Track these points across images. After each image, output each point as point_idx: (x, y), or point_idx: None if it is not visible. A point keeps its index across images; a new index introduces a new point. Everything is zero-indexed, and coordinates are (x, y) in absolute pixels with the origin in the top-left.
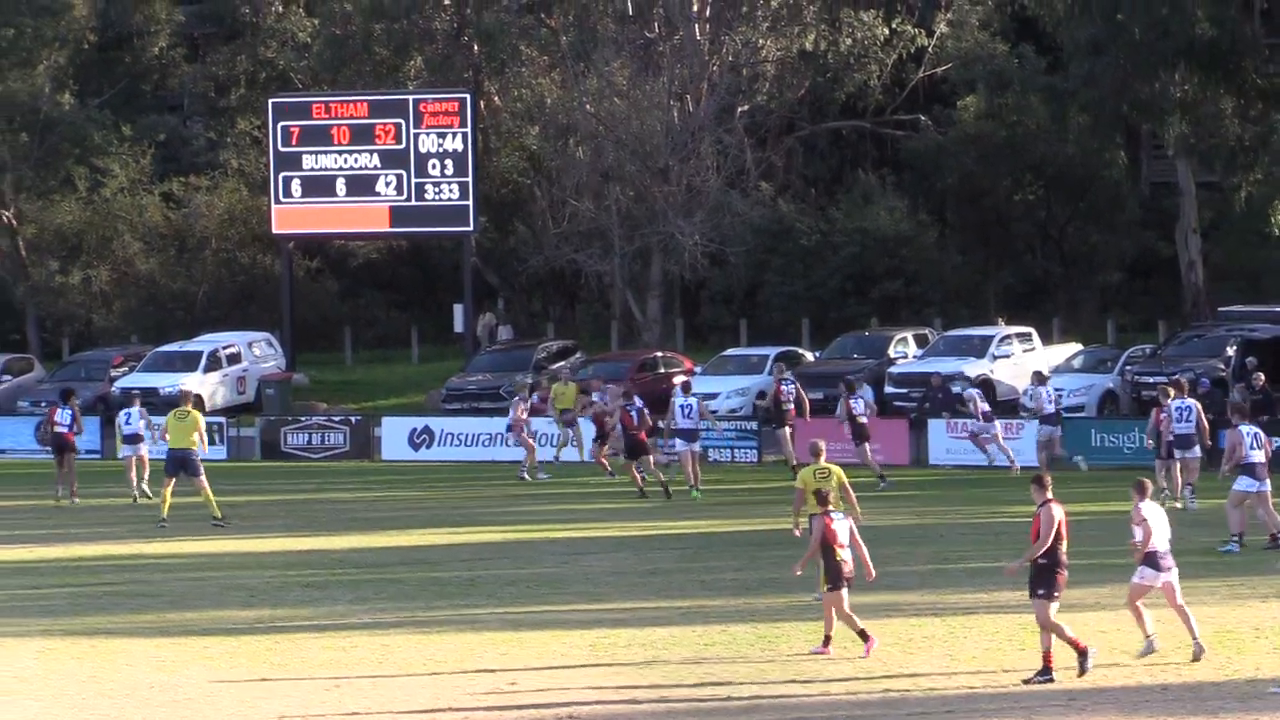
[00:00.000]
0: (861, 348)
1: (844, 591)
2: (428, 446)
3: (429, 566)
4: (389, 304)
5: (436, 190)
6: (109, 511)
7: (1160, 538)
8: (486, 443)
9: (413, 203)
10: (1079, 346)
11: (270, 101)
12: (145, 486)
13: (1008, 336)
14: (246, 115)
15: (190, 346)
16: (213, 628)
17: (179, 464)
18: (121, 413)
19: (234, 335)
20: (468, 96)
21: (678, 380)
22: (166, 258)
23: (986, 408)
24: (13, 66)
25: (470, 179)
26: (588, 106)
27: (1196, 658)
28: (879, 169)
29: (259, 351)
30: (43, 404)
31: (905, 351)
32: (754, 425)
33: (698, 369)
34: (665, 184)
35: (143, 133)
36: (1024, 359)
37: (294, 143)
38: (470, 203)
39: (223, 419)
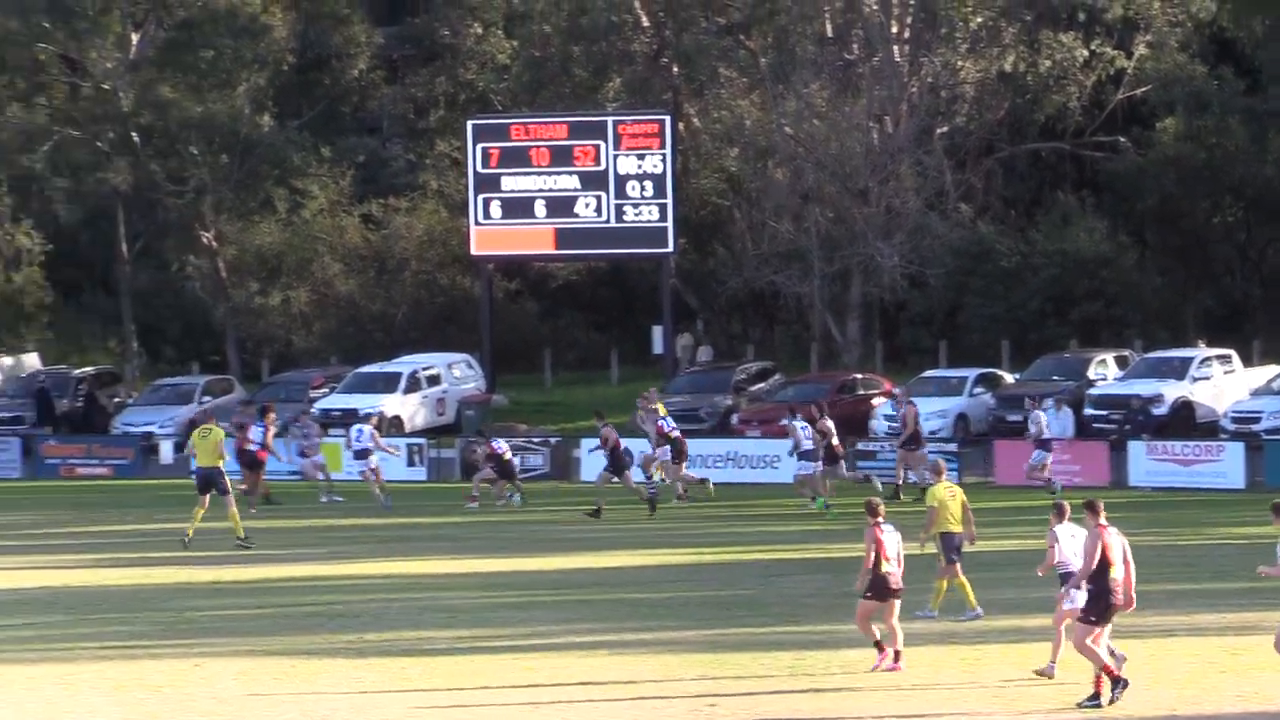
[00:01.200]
0: (1061, 369)
1: (890, 604)
2: (628, 468)
3: (629, 588)
4: (588, 325)
5: (636, 212)
6: (310, 533)
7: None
8: (686, 464)
9: (612, 224)
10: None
11: (469, 123)
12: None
13: (1208, 358)
14: (446, 137)
15: (390, 368)
16: (412, 648)
17: (207, 482)
18: (353, 429)
19: (434, 357)
20: (667, 118)
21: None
22: (366, 279)
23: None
24: (213, 88)
25: (669, 200)
26: (787, 128)
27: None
28: (1078, 190)
29: (459, 373)
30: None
31: (1105, 373)
32: (953, 446)
33: (896, 390)
34: (864, 206)
35: (342, 154)
36: (1224, 381)
37: (493, 164)
38: (669, 224)
39: (423, 440)
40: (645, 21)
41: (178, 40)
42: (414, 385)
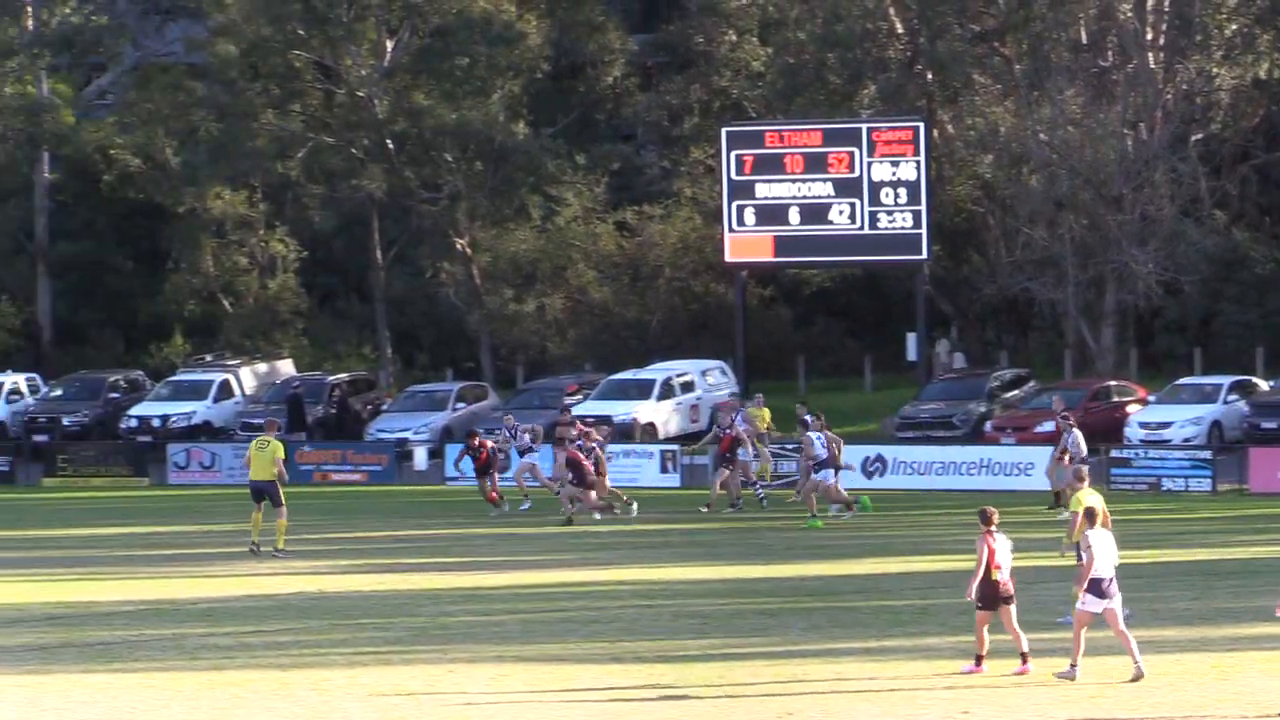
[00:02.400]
0: None
1: (1003, 610)
2: (880, 474)
3: (882, 595)
4: (842, 332)
5: (890, 218)
6: (564, 539)
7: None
8: (940, 471)
9: (866, 231)
10: None
11: (724, 130)
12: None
13: None
14: (700, 144)
15: (643, 374)
16: (664, 655)
17: (261, 494)
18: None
19: (687, 363)
20: (921, 125)
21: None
22: (620, 286)
23: None
24: (467, 95)
25: (923, 207)
26: (1041, 135)
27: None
28: None
29: (712, 380)
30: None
31: None
32: (1207, 454)
33: (1151, 398)
34: (1119, 213)
35: (596, 161)
36: None
37: (747, 171)
38: (924, 231)
39: (676, 447)
40: (899, 29)
41: (432, 48)
42: (667, 392)
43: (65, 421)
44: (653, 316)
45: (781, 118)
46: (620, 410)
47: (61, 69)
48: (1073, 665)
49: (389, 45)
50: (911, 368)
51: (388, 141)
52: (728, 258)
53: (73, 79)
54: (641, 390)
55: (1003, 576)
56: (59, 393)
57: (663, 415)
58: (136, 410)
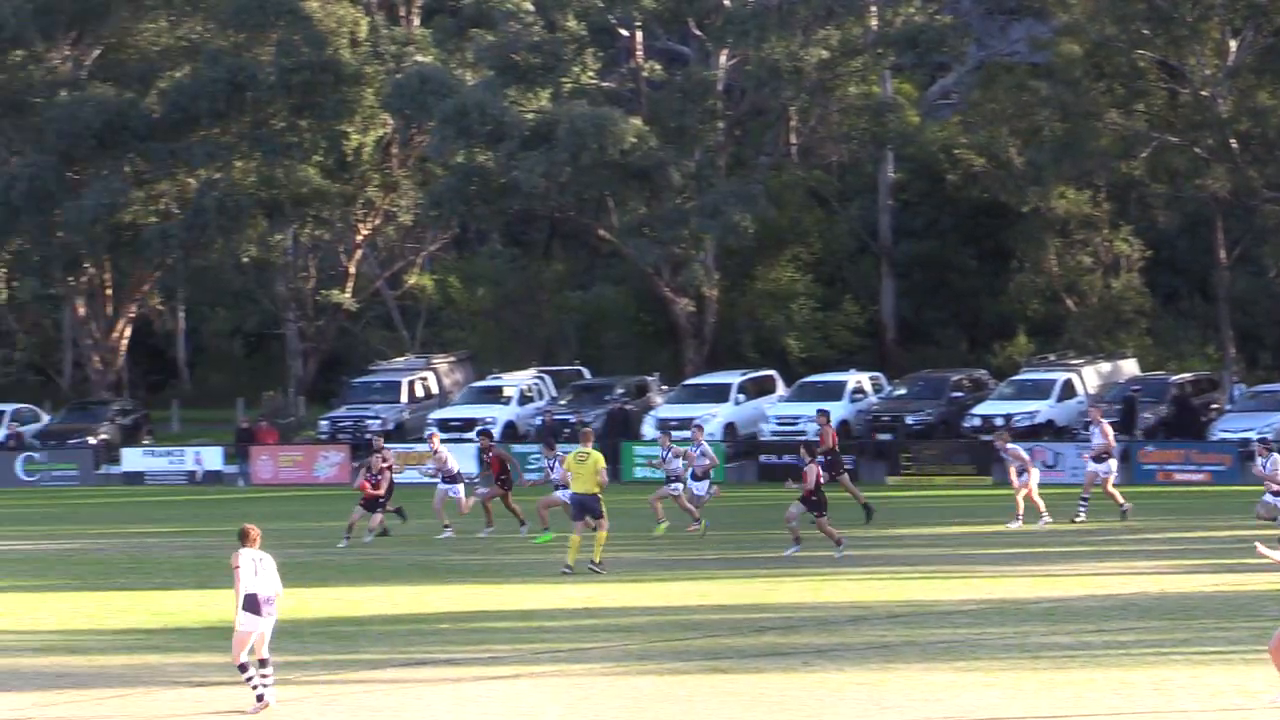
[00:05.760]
0: None
1: None
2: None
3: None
4: None
5: None
6: None
7: None
8: None
9: None
10: None
11: None
12: None
13: None
14: None
15: None
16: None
17: (584, 508)
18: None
19: None
20: None
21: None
22: None
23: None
24: None
25: None
26: None
27: None
28: None
29: None
30: None
31: None
32: None
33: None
34: None
35: None
36: None
37: None
38: None
39: None
40: None
41: (1275, 47)
42: None
43: (908, 420)
44: None
45: None
46: None
47: (905, 69)
48: None
49: (1232, 45)
50: None
51: (1231, 141)
52: None
53: (916, 78)
54: None
55: None
56: (902, 391)
57: None
58: (979, 409)
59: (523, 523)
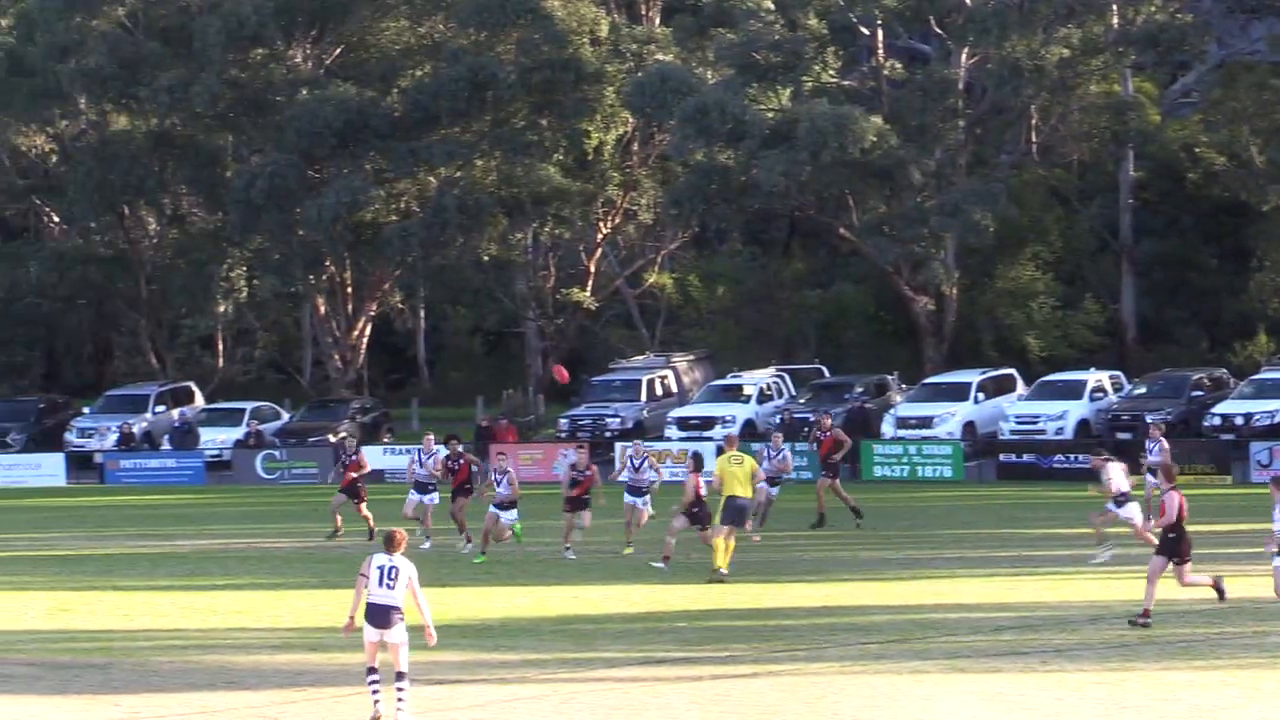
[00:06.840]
0: None
1: None
2: None
3: None
4: None
5: None
6: None
7: None
8: None
9: None
10: None
11: None
12: None
13: None
14: None
15: None
16: None
17: (740, 512)
18: None
19: None
20: None
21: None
22: None
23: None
24: None
25: None
26: None
27: None
28: None
29: None
30: None
31: None
32: None
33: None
34: None
35: None
36: None
37: None
38: None
39: None
40: None
41: None
42: None
43: (1147, 419)
44: None
45: None
46: None
47: (1146, 67)
48: None
49: None
50: None
51: None
52: None
53: (1157, 77)
54: None
55: None
56: (1142, 390)
57: None
58: (1220, 408)
59: (467, 538)
